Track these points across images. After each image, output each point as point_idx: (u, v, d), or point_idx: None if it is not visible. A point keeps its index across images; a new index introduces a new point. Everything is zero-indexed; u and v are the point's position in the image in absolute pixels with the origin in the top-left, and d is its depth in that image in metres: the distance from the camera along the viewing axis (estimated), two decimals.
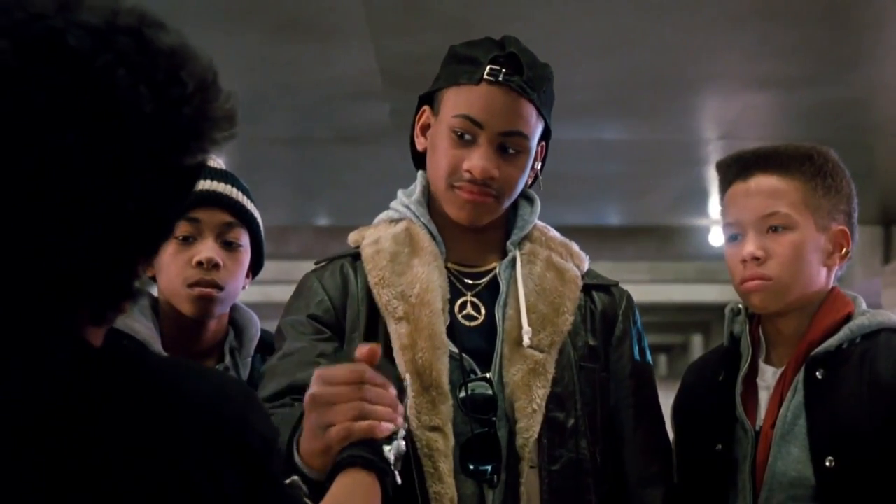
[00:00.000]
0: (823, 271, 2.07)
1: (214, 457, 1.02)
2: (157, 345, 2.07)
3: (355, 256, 1.98)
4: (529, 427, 1.88)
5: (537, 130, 1.97)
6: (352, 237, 2.04)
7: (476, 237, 1.99)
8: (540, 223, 2.09)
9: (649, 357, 2.12)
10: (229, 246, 2.12)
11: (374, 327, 1.91)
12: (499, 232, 2.02)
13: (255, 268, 2.20)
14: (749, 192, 2.07)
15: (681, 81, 5.09)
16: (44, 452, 0.97)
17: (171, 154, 1.03)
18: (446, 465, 1.83)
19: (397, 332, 1.88)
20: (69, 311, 1.03)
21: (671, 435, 2.16)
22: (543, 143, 2.04)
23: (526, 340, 1.91)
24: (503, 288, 1.97)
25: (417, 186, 2.03)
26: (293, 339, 1.91)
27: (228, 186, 2.14)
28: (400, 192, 2.08)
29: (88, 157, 0.98)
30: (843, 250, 2.09)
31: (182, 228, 2.08)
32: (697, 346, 14.97)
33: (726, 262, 2.12)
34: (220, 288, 2.09)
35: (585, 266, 2.07)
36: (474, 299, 1.97)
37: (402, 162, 7.44)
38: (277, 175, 6.87)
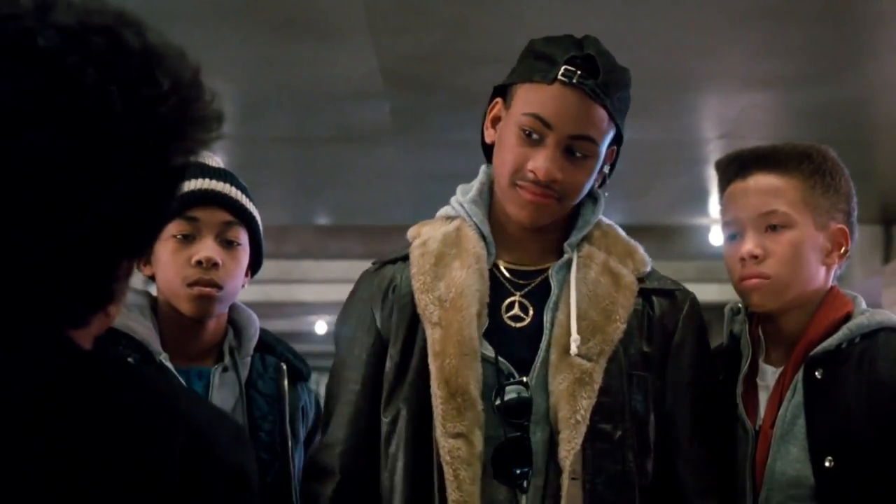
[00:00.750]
0: (822, 270, 2.07)
1: (191, 481, 1.00)
2: (155, 344, 2.07)
3: (405, 258, 1.98)
4: (572, 438, 1.84)
5: (608, 135, 1.92)
6: (411, 231, 2.04)
7: (535, 237, 1.96)
8: (605, 222, 2.05)
9: (710, 364, 2.06)
10: (229, 245, 2.11)
11: (414, 333, 1.91)
12: (558, 232, 1.99)
13: (254, 266, 2.20)
14: (748, 191, 2.07)
15: (681, 80, 5.09)
16: (9, 450, 0.96)
17: (148, 154, 1.01)
18: (468, 473, 1.81)
19: (432, 338, 1.87)
20: (46, 311, 1.01)
21: None
22: (614, 147, 1.99)
23: (574, 349, 1.87)
24: (554, 290, 1.93)
25: (477, 182, 2.01)
26: (350, 369, 2.00)
27: (227, 185, 2.14)
28: (459, 188, 2.06)
29: (58, 156, 0.97)
30: (843, 249, 2.08)
31: (181, 227, 2.07)
32: None
33: (725, 261, 2.11)
34: (220, 287, 2.08)
35: (647, 269, 2.02)
36: (523, 300, 1.94)
37: (401, 161, 7.46)
38: (277, 174, 6.86)
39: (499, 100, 1.98)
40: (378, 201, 7.52)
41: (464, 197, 2.00)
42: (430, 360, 1.86)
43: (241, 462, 1.05)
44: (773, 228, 2.05)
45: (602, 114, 1.88)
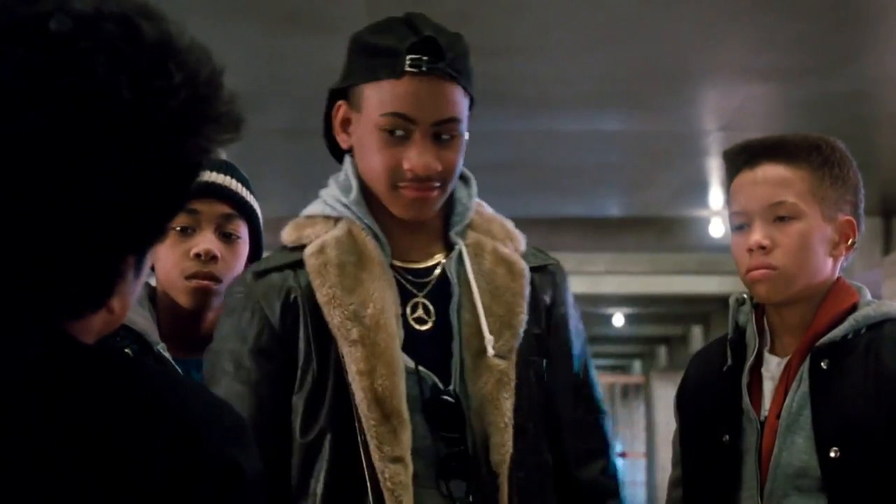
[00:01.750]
0: (829, 261, 2.07)
1: (178, 475, 0.98)
2: (154, 335, 2.06)
3: (296, 265, 1.84)
4: (504, 442, 1.80)
5: (466, 107, 1.87)
6: (289, 234, 1.89)
7: (419, 230, 1.88)
8: (476, 201, 1.97)
9: (583, 334, 2.04)
10: (228, 238, 2.10)
11: (327, 350, 1.79)
12: (439, 220, 1.91)
13: (253, 259, 2.19)
14: (756, 181, 2.06)
15: (681, 73, 5.09)
16: None
17: (155, 147, 1.00)
18: (407, 497, 1.74)
19: (352, 356, 1.76)
20: (38, 300, 1.00)
21: (675, 425, 2.17)
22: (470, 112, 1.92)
23: (490, 350, 1.82)
24: (455, 289, 1.86)
25: (352, 179, 1.90)
26: (233, 379, 1.81)
27: (227, 178, 2.13)
28: (332, 182, 1.95)
29: (58, 140, 0.96)
30: (850, 241, 2.07)
31: (180, 220, 2.06)
32: (697, 338, 14.96)
33: (732, 252, 2.10)
34: (218, 280, 2.08)
35: (523, 246, 1.96)
36: (425, 301, 1.86)
37: None
38: (276, 167, 6.87)
39: (341, 103, 1.89)
40: None
41: (346, 196, 1.89)
42: (354, 379, 1.75)
43: (235, 456, 1.02)
44: (781, 219, 2.03)
45: (458, 90, 1.84)
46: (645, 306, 13.02)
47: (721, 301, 13.52)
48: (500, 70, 4.96)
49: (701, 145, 6.19)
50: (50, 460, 0.95)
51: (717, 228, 8.29)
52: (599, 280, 10.18)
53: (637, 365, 21.36)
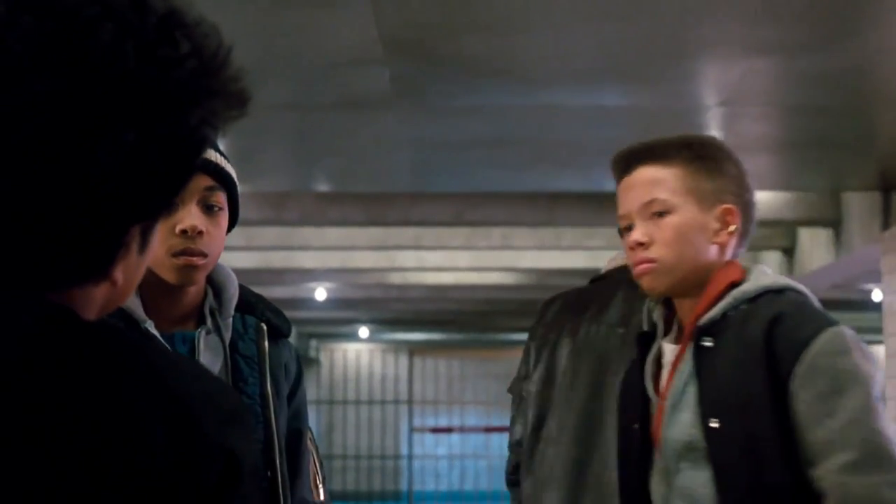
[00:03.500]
0: (713, 248, 2.21)
1: (174, 459, 0.97)
2: (139, 311, 2.05)
3: None
4: None
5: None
6: None
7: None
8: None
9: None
10: (210, 210, 2.09)
11: None
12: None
13: (230, 227, 2.18)
14: (632, 185, 2.25)
15: (681, 47, 5.07)
16: None
17: (159, 117, 1.00)
18: None
19: None
20: (36, 267, 0.99)
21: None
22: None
23: None
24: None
25: None
26: None
27: (209, 150, 2.12)
28: None
29: (61, 105, 0.96)
30: (731, 227, 2.20)
31: None
32: None
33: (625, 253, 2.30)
34: (204, 255, 2.07)
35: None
36: None
37: (401, 128, 7.44)
38: (277, 141, 6.86)
39: None
40: (377, 168, 7.52)
41: None
42: None
43: (231, 443, 1.01)
44: (656, 215, 2.19)
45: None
46: None
47: None
48: (499, 45, 4.95)
49: (701, 120, 6.18)
50: (44, 439, 0.95)
51: None
52: (599, 255, 10.17)
53: None
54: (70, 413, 0.96)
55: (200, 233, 2.06)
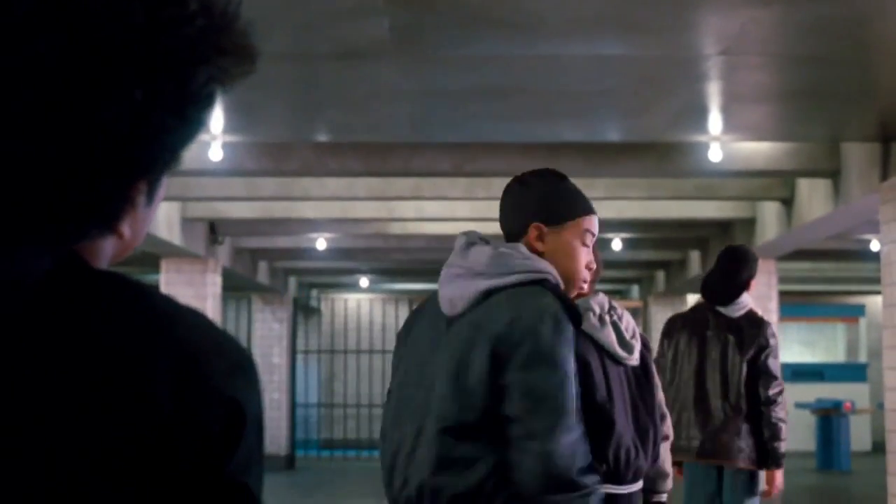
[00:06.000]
0: None
1: (174, 403, 0.97)
2: None
3: None
4: None
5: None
6: None
7: None
8: None
9: None
10: None
11: None
12: None
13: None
14: None
15: None
16: None
17: (168, 73, 1.00)
18: None
19: None
20: (49, 220, 1.00)
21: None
22: None
23: None
24: None
25: None
26: None
27: None
28: None
29: (72, 63, 0.96)
30: None
31: None
32: (695, 262, 15.00)
33: None
34: None
35: None
36: None
37: (400, 78, 7.39)
38: (277, 92, 6.84)
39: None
40: (377, 118, 7.51)
41: None
42: None
43: (237, 394, 1.01)
44: None
45: None
46: (643, 231, 13.03)
47: (719, 226, 13.55)
48: None
49: (701, 70, 6.17)
50: (49, 382, 0.96)
51: (716, 153, 8.29)
52: (598, 205, 10.14)
53: (635, 290, 21.43)
54: (77, 357, 0.97)
55: None
